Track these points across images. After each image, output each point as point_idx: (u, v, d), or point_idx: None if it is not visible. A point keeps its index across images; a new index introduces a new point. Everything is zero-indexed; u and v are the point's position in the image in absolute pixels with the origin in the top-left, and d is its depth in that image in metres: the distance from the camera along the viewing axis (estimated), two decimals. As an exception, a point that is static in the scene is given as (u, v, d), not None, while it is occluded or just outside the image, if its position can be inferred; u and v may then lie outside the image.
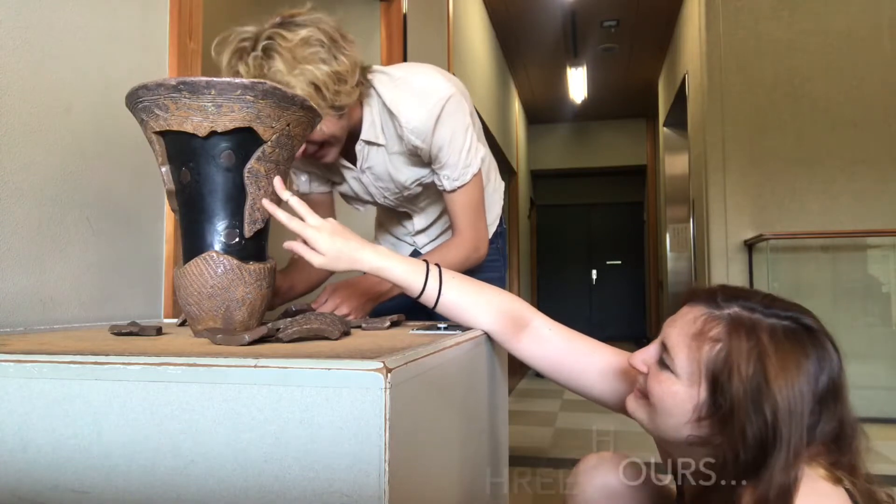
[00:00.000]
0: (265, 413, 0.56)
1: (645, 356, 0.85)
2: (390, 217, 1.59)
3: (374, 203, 1.47)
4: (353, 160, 1.35)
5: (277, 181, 0.88)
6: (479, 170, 1.34)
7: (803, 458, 0.71)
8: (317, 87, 1.11)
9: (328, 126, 1.19)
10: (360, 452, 0.53)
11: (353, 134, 1.29)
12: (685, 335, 0.79)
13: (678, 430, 0.79)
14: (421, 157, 1.32)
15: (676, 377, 0.79)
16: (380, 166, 1.35)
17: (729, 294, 0.79)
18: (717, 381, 0.75)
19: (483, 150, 1.37)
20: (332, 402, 0.54)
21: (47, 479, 0.60)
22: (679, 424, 0.79)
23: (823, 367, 0.74)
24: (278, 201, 0.90)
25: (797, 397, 0.71)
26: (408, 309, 1.21)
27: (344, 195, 1.48)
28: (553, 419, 3.81)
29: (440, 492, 0.72)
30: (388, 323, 1.02)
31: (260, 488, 0.55)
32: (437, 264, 1.01)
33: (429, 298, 0.98)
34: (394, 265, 0.96)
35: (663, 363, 0.81)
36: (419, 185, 1.39)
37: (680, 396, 0.78)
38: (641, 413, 0.85)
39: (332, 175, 1.44)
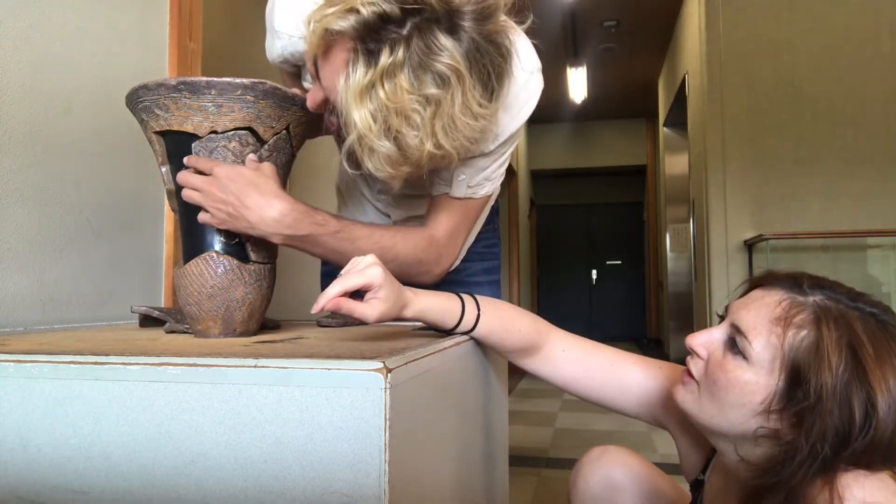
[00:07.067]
0: (265, 413, 0.56)
1: (706, 339, 0.77)
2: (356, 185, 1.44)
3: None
4: None
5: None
6: (493, 195, 1.12)
7: None
8: None
9: None
10: (360, 452, 0.53)
11: None
12: (765, 318, 0.72)
13: (742, 423, 0.72)
14: None
15: (748, 364, 0.72)
16: None
17: (814, 281, 0.74)
18: (799, 371, 0.68)
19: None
20: (332, 402, 0.54)
21: (47, 479, 0.60)
22: (744, 416, 0.72)
23: None
24: None
25: None
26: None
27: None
28: (553, 419, 3.80)
29: (440, 491, 0.72)
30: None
31: (260, 488, 0.55)
32: (474, 298, 0.89)
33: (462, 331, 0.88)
34: (432, 306, 0.83)
35: (732, 348, 0.74)
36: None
37: (750, 386, 0.71)
38: (691, 402, 0.78)
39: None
